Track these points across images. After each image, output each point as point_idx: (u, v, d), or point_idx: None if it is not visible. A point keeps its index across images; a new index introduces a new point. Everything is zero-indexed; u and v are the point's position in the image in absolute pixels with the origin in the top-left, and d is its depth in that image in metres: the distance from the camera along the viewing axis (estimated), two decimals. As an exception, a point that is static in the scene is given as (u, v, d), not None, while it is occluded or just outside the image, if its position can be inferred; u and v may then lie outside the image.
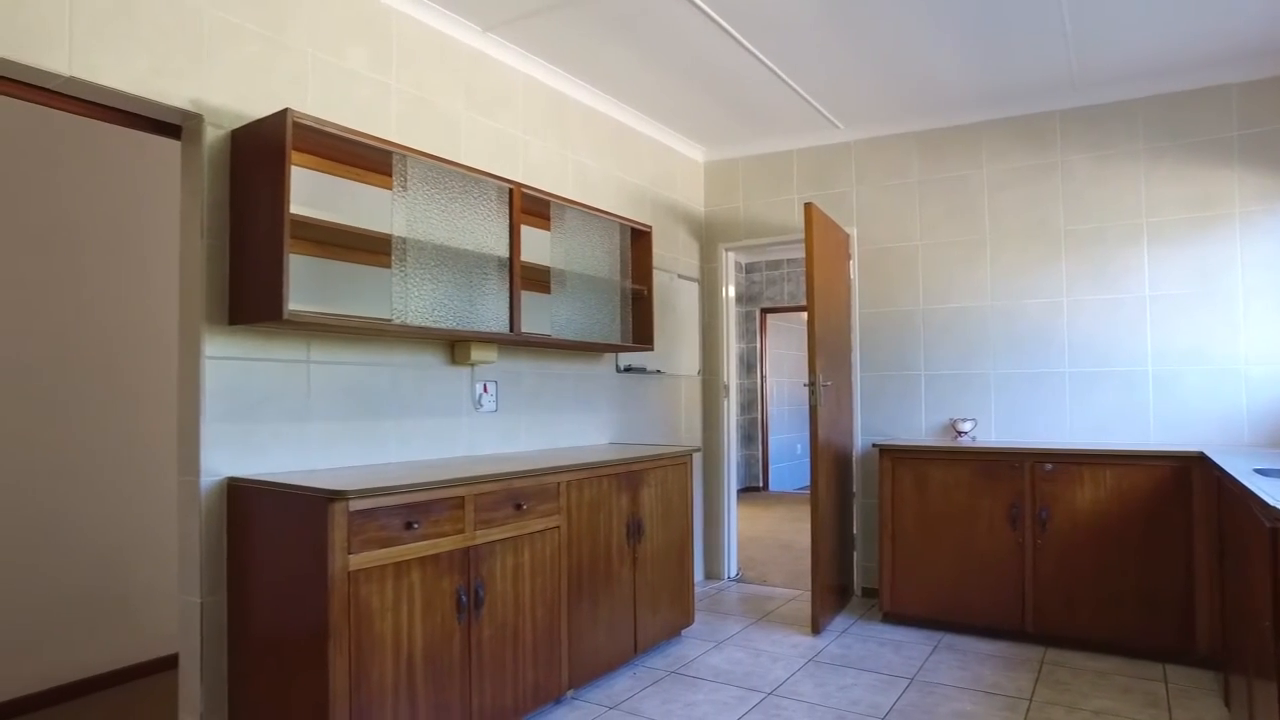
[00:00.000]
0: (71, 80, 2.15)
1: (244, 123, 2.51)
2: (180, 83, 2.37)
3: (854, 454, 4.59)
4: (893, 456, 4.05)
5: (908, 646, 3.69)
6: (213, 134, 2.44)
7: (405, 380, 3.04)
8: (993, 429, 4.27)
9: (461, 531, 2.49)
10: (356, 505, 2.16)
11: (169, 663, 3.47)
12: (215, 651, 2.41)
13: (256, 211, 2.38)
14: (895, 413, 4.53)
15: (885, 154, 4.60)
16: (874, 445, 4.12)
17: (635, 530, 3.40)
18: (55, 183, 3.21)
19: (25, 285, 3.11)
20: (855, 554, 4.59)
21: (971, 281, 4.34)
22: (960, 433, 4.22)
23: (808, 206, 3.89)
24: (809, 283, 3.85)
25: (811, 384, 3.83)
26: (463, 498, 2.50)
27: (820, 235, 3.98)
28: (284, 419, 2.60)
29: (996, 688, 3.16)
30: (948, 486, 3.89)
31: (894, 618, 4.07)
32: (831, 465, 4.09)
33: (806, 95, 4.13)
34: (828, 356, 4.05)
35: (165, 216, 3.55)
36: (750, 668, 3.42)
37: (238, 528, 2.39)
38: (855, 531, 4.58)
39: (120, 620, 3.35)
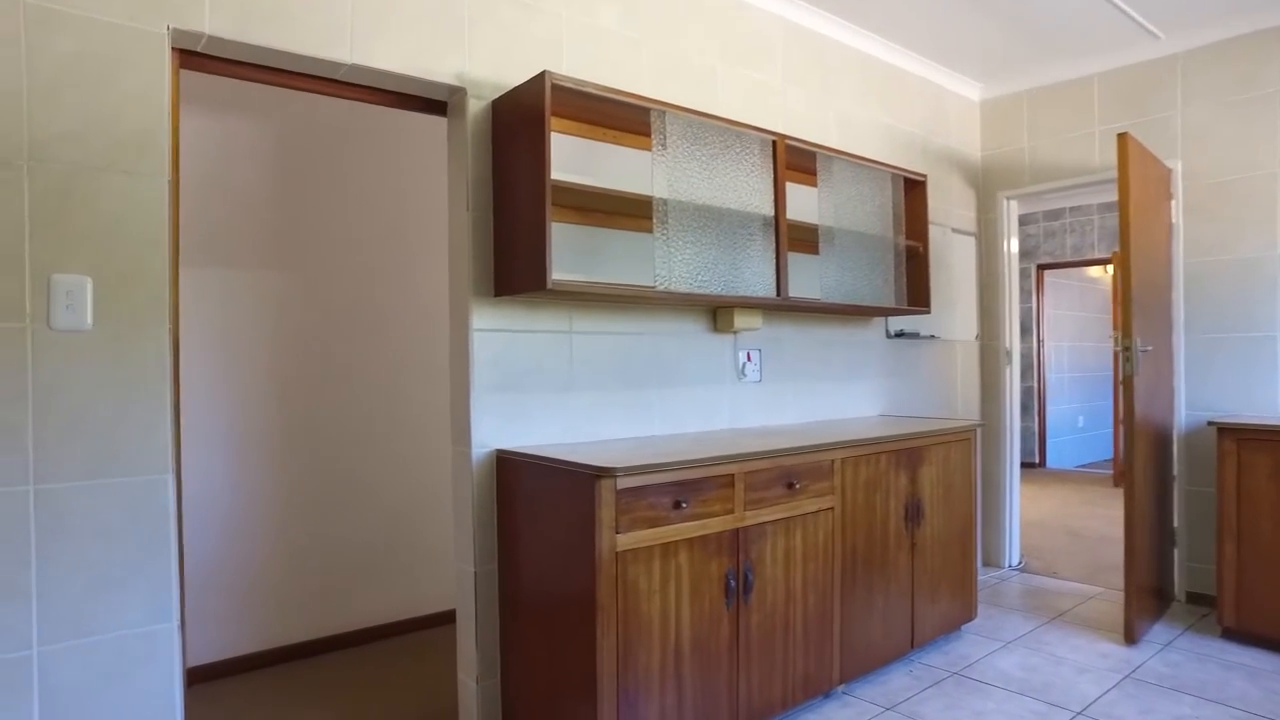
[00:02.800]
0: (353, 68, 2.23)
1: (503, 91, 2.48)
2: (444, 59, 2.38)
3: (1175, 432, 3.84)
4: (1238, 438, 3.30)
5: (1266, 676, 2.99)
6: (475, 106, 2.44)
7: (666, 349, 2.92)
8: (1382, 405, 3.35)
9: (731, 512, 2.32)
10: (624, 483, 2.05)
11: (446, 618, 3.69)
12: (488, 619, 2.45)
13: (518, 180, 2.33)
14: (1233, 383, 3.71)
15: (1226, 62, 3.73)
16: (1209, 423, 3.39)
17: (914, 513, 3.05)
18: (333, 170, 3.45)
19: (322, 269, 3.38)
20: (1177, 551, 3.86)
21: (1350, 218, 3.41)
22: (1333, 409, 3.36)
23: (1122, 138, 3.24)
24: (1123, 230, 3.21)
25: (1126, 349, 3.21)
26: (732, 476, 2.32)
27: (1137, 172, 3.31)
28: (548, 390, 2.58)
29: None
30: (1318, 476, 3.10)
31: (1239, 635, 3.34)
32: (1149, 445, 3.43)
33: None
34: (1143, 316, 3.38)
35: (426, 194, 3.72)
36: (1048, 677, 2.96)
37: (506, 498, 2.40)
38: (1177, 524, 3.85)
39: (403, 576, 3.60)
